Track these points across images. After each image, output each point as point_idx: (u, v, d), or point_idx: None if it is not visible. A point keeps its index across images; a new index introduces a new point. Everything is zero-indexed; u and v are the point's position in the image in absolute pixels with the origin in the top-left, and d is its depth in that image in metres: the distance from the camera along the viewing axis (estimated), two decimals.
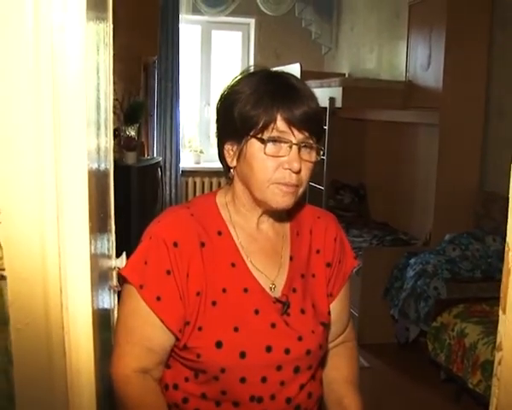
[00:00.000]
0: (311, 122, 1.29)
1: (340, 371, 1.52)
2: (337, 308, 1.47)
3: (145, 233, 1.33)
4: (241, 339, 1.28)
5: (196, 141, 7.38)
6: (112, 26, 1.44)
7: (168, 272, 1.27)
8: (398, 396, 3.84)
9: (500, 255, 4.13)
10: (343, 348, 1.57)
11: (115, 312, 1.73)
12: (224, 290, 1.31)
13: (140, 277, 1.28)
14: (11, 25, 0.72)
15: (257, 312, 1.32)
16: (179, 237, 1.29)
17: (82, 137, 0.82)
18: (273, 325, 1.32)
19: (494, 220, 4.44)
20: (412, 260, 4.35)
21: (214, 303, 1.29)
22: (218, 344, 1.27)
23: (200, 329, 1.28)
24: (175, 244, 1.28)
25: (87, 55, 0.86)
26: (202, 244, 1.31)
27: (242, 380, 1.28)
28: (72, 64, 0.80)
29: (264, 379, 1.30)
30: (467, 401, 3.68)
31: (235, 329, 1.28)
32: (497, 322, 3.58)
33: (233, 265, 1.34)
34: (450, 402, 3.74)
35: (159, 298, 1.27)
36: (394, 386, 4.00)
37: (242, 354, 1.27)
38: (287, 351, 1.32)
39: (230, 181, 1.39)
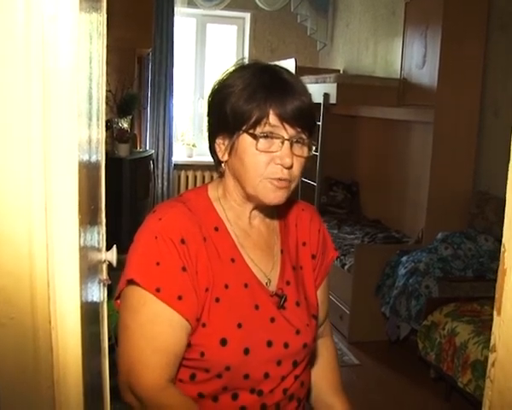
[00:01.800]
0: (304, 117, 1.28)
1: (327, 379, 1.55)
2: (318, 300, 1.48)
3: (144, 231, 1.28)
4: (245, 335, 1.27)
5: (189, 134, 7.36)
6: (106, 16, 1.41)
7: (183, 269, 1.24)
8: (388, 394, 3.85)
9: (492, 255, 4.15)
10: (325, 346, 1.59)
11: (105, 305, 1.71)
12: (226, 286, 1.29)
13: (155, 280, 1.22)
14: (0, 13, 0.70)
15: (257, 307, 1.31)
16: (185, 233, 1.26)
17: (73, 127, 0.80)
18: (272, 320, 1.32)
19: (487, 220, 4.44)
20: (404, 258, 4.35)
21: (217, 300, 1.27)
22: (223, 342, 1.25)
23: (203, 326, 1.26)
24: (182, 241, 1.25)
25: (79, 45, 0.84)
26: (204, 239, 1.29)
27: (246, 377, 1.28)
28: (63, 54, 0.78)
29: (266, 375, 1.30)
30: (457, 399, 3.69)
31: (239, 325, 1.27)
32: (487, 322, 3.60)
33: (233, 260, 1.32)
34: (440, 401, 3.76)
35: (180, 297, 1.23)
36: (384, 384, 4.00)
37: (246, 351, 1.27)
38: (286, 345, 1.32)
39: (221, 175, 1.38)
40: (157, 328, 1.24)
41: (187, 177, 7.08)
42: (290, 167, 1.27)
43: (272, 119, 1.25)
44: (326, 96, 5.09)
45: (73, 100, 0.79)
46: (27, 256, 0.73)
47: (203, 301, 1.26)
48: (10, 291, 0.73)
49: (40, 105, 0.73)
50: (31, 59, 0.71)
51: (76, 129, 0.80)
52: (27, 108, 0.71)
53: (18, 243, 0.73)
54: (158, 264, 1.23)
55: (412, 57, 4.94)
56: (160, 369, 1.23)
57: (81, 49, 0.90)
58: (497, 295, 1.02)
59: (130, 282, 1.25)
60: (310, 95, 1.32)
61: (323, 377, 1.55)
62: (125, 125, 4.92)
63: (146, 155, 5.52)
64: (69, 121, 0.78)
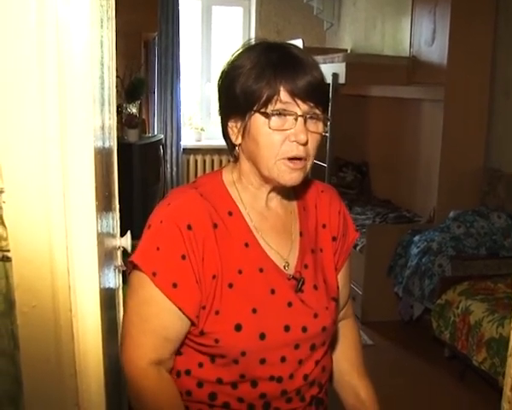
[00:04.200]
0: (316, 92, 1.25)
1: (350, 360, 1.54)
2: (341, 282, 1.46)
3: (153, 216, 1.27)
4: (260, 320, 1.26)
5: (197, 118, 7.32)
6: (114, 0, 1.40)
7: (183, 257, 1.22)
8: (402, 374, 3.85)
9: (505, 232, 4.14)
10: (347, 328, 1.57)
11: (120, 291, 1.71)
12: (239, 272, 1.27)
13: (152, 264, 1.22)
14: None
15: (273, 291, 1.29)
16: (192, 219, 1.24)
17: (88, 113, 0.79)
18: (290, 304, 1.30)
19: (499, 198, 4.41)
20: (416, 238, 4.33)
21: (231, 286, 1.26)
22: (238, 327, 1.24)
23: (217, 313, 1.24)
24: (189, 227, 1.23)
25: (92, 28, 0.83)
26: (215, 226, 1.27)
27: (262, 361, 1.26)
28: (77, 38, 0.76)
29: (283, 359, 1.28)
30: (471, 378, 3.69)
31: (254, 310, 1.26)
32: (501, 299, 3.58)
33: (247, 245, 1.30)
34: (455, 379, 3.75)
35: (175, 285, 1.22)
36: (398, 364, 4.00)
37: (262, 336, 1.25)
38: (304, 329, 1.30)
39: (236, 159, 1.36)
40: (150, 310, 1.24)
41: (196, 161, 7.06)
42: (305, 144, 1.24)
43: (283, 95, 1.22)
44: (335, 76, 5.04)
45: (88, 85, 0.78)
46: (47, 245, 0.73)
47: (211, 288, 1.25)
48: (31, 280, 0.73)
49: (56, 92, 0.72)
50: (46, 43, 0.70)
51: (91, 115, 0.79)
52: (43, 95, 0.70)
53: (37, 231, 0.72)
54: (158, 249, 1.22)
55: (421, 35, 4.88)
56: (145, 350, 1.24)
57: (93, 33, 0.88)
58: None
59: (133, 264, 1.26)
60: (320, 69, 1.29)
61: (345, 358, 1.54)
62: (134, 111, 4.90)
63: (155, 139, 5.50)
64: (84, 107, 0.77)
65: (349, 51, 6.52)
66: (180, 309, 1.23)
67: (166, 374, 1.29)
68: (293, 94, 1.22)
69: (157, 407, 1.25)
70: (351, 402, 1.50)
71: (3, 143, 0.70)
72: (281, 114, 1.23)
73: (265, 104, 1.23)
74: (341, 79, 5.02)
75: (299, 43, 5.38)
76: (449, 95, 4.48)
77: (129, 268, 1.30)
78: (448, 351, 3.87)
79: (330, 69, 5.13)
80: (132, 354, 1.25)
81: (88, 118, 0.78)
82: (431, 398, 3.62)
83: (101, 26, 1.15)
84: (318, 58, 5.39)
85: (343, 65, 5.01)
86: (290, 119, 1.23)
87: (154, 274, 1.22)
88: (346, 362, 1.53)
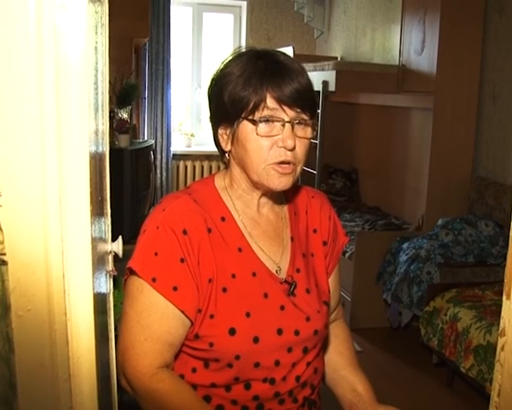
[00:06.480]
0: (302, 98, 1.27)
1: (343, 355, 1.55)
2: (332, 286, 1.49)
3: (149, 222, 1.29)
4: (254, 324, 1.27)
5: (187, 124, 7.33)
6: (108, 6, 1.41)
7: (182, 260, 1.24)
8: (391, 380, 3.86)
9: (492, 240, 4.16)
10: (338, 328, 1.59)
11: (111, 296, 1.71)
12: (233, 276, 1.29)
13: (151, 270, 1.23)
14: (13, 4, 0.70)
15: (266, 295, 1.31)
16: (187, 224, 1.26)
17: (84, 118, 0.80)
18: (282, 308, 1.32)
19: (487, 205, 4.45)
20: (405, 245, 4.35)
21: (225, 290, 1.27)
22: (232, 331, 1.25)
23: (211, 317, 1.26)
24: (184, 232, 1.25)
25: (88, 35, 0.84)
26: (209, 230, 1.29)
27: (256, 365, 1.28)
28: (74, 44, 0.77)
29: (277, 362, 1.30)
30: (459, 385, 3.71)
31: (247, 314, 1.27)
32: (489, 306, 3.60)
33: (240, 250, 1.32)
34: (443, 386, 3.77)
35: (175, 288, 1.23)
36: (386, 370, 4.01)
37: (256, 339, 1.27)
38: (296, 332, 1.32)
39: (227, 165, 1.38)
40: (152, 316, 1.25)
41: (186, 167, 7.06)
42: (293, 149, 1.26)
43: (270, 102, 1.24)
44: (325, 83, 5.07)
45: (84, 91, 0.79)
46: (43, 248, 0.73)
47: (207, 292, 1.26)
48: (26, 283, 0.73)
49: (53, 97, 0.72)
50: (43, 48, 0.71)
51: (87, 120, 0.80)
52: (41, 100, 0.71)
53: (33, 235, 0.73)
54: (156, 254, 1.24)
55: (411, 43, 4.92)
56: (152, 357, 1.24)
57: (89, 39, 0.89)
58: (506, 280, 1.02)
59: (131, 270, 1.26)
60: (307, 75, 1.31)
61: (339, 353, 1.54)
62: (125, 116, 4.90)
63: (146, 145, 5.51)
64: (80, 112, 0.78)
65: (339, 59, 6.57)
66: (182, 312, 1.25)
67: (174, 372, 1.29)
68: (280, 100, 1.25)
69: (181, 403, 1.24)
70: (348, 398, 1.49)
71: (0, 147, 0.71)
72: (268, 120, 1.25)
73: (253, 111, 1.25)
74: (331, 87, 5.05)
75: (289, 50, 5.41)
76: (438, 103, 4.52)
77: (126, 274, 1.31)
78: (436, 358, 3.89)
79: (320, 77, 5.16)
80: (138, 364, 1.24)
81: (84, 123, 0.79)
82: (419, 404, 3.63)
83: (96, 32, 1.16)
84: (308, 66, 5.43)
85: (333, 73, 5.04)
86: (278, 125, 1.25)
87: (153, 280, 1.23)
88: (340, 357, 1.54)
